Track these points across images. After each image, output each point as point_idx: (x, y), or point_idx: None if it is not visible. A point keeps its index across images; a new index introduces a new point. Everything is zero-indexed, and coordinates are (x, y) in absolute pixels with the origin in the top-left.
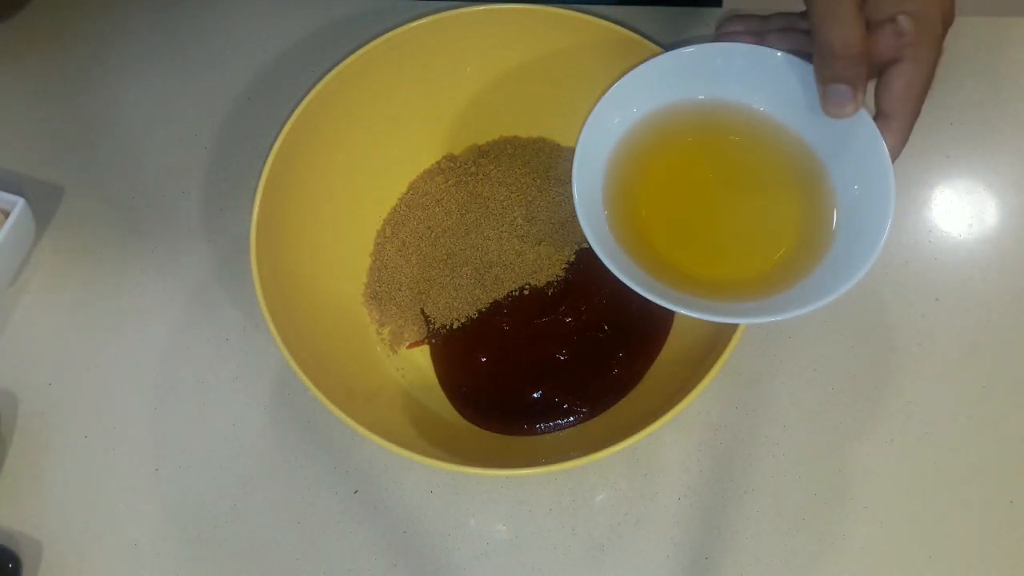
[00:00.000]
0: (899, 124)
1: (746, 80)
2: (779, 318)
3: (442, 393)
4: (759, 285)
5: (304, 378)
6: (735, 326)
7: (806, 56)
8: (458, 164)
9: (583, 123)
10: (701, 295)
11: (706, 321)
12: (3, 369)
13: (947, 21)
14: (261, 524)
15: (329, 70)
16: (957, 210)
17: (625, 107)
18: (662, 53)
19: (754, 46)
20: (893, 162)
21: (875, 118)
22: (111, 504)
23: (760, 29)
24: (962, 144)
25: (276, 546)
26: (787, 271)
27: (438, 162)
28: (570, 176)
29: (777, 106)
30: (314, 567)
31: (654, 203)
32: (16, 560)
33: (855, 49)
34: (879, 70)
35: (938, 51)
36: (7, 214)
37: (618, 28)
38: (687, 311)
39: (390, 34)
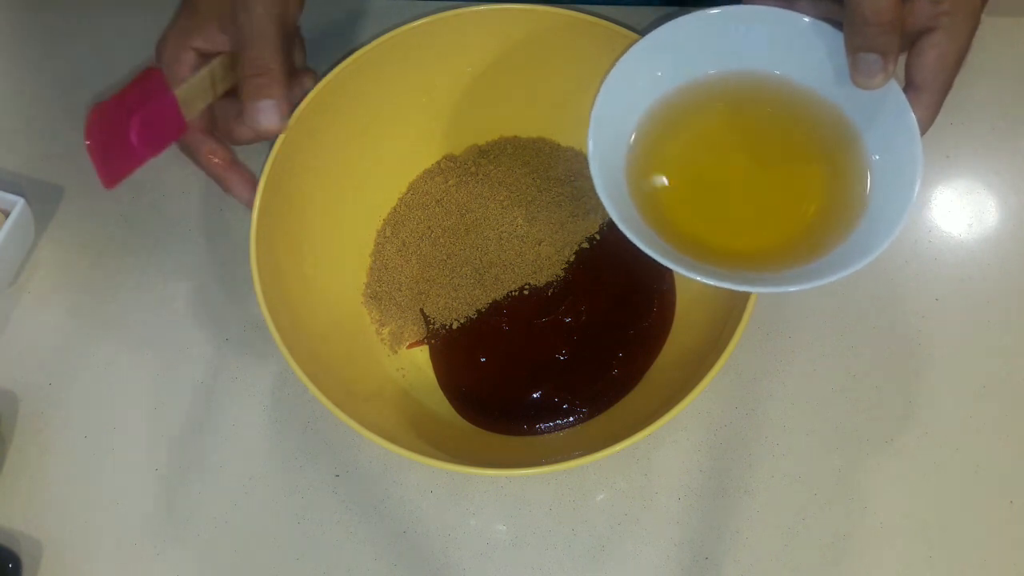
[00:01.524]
0: (929, 97)
1: (773, 46)
2: (800, 287)
3: (442, 393)
4: (784, 256)
5: (304, 378)
6: (736, 324)
7: (837, 24)
8: (458, 164)
9: (599, 86)
10: (726, 265)
11: (706, 318)
12: (3, 369)
13: None
14: (261, 524)
15: (329, 70)
16: (957, 210)
17: (649, 71)
18: (685, 14)
19: (780, 10)
20: (922, 136)
21: (905, 90)
22: (111, 504)
23: None
24: (962, 144)
25: (276, 546)
26: (814, 242)
27: (438, 162)
28: (576, 170)
29: (804, 73)
30: (314, 567)
31: (678, 172)
32: (16, 560)
33: (887, 16)
34: (912, 40)
35: (975, 22)
36: (7, 214)
37: (620, 28)
38: (709, 280)
39: (390, 34)
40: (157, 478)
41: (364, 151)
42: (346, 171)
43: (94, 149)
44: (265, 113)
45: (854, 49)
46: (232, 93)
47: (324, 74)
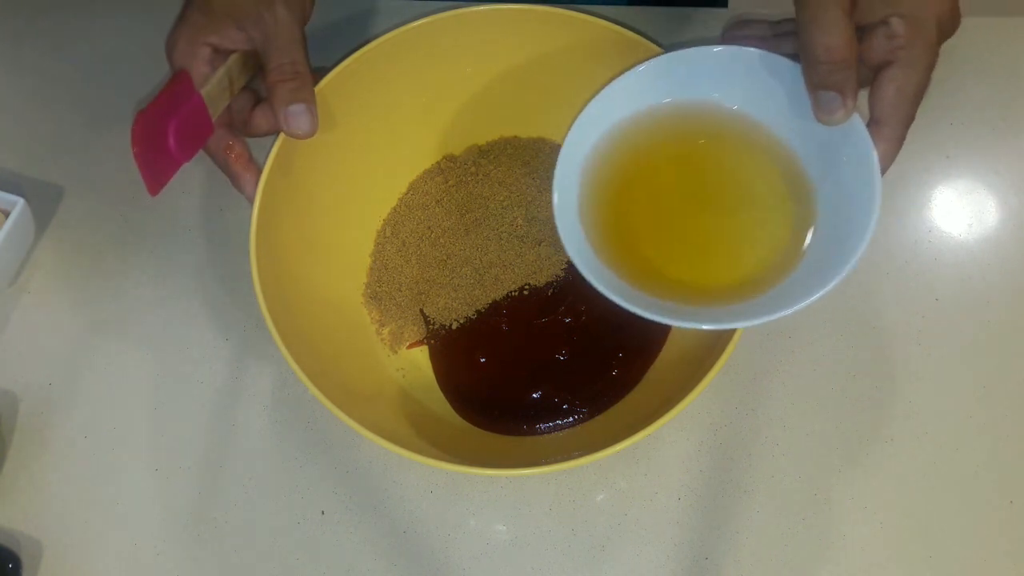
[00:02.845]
0: (891, 131)
1: (721, 82)
2: (747, 324)
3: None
4: (742, 289)
5: (304, 378)
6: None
7: (795, 57)
8: (458, 164)
9: (559, 151)
10: (681, 301)
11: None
12: (3, 369)
13: (944, 26)
14: (261, 524)
15: (329, 70)
16: (957, 210)
17: (599, 122)
18: (636, 65)
19: (727, 47)
20: (887, 168)
21: (868, 124)
22: (111, 504)
23: (766, 34)
24: (962, 144)
25: (276, 546)
26: (766, 275)
27: (438, 162)
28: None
29: (755, 107)
30: (314, 567)
31: (633, 212)
32: (16, 560)
33: (838, 54)
34: (873, 75)
35: (932, 55)
36: (7, 214)
37: (618, 28)
38: (661, 318)
39: (390, 34)
40: (157, 478)
41: (364, 151)
42: (346, 171)
43: (140, 157)
44: (300, 117)
45: (812, 87)
46: (246, 87)
47: (324, 74)
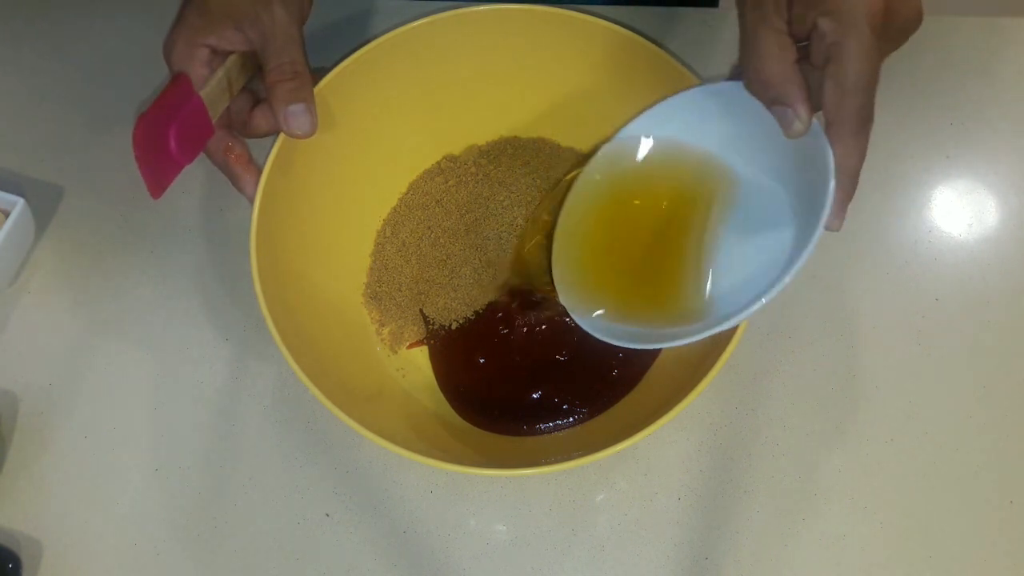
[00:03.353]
0: (839, 128)
1: (679, 123)
2: (687, 341)
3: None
4: (702, 309)
5: (304, 378)
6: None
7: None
8: (458, 164)
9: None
10: (649, 324)
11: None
12: (3, 369)
13: (876, 15)
14: (261, 524)
15: (329, 70)
16: (957, 210)
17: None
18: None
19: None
20: (855, 167)
21: (825, 129)
22: (111, 504)
23: None
24: (962, 144)
25: (276, 546)
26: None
27: (438, 162)
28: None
29: (700, 139)
30: (314, 567)
31: (607, 251)
32: (16, 560)
33: (764, 73)
34: None
35: (866, 45)
36: (7, 214)
37: (618, 28)
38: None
39: (390, 34)
40: (157, 478)
41: (364, 151)
42: (346, 171)
43: (141, 160)
44: (300, 117)
45: (765, 104)
46: (245, 88)
47: (324, 74)
